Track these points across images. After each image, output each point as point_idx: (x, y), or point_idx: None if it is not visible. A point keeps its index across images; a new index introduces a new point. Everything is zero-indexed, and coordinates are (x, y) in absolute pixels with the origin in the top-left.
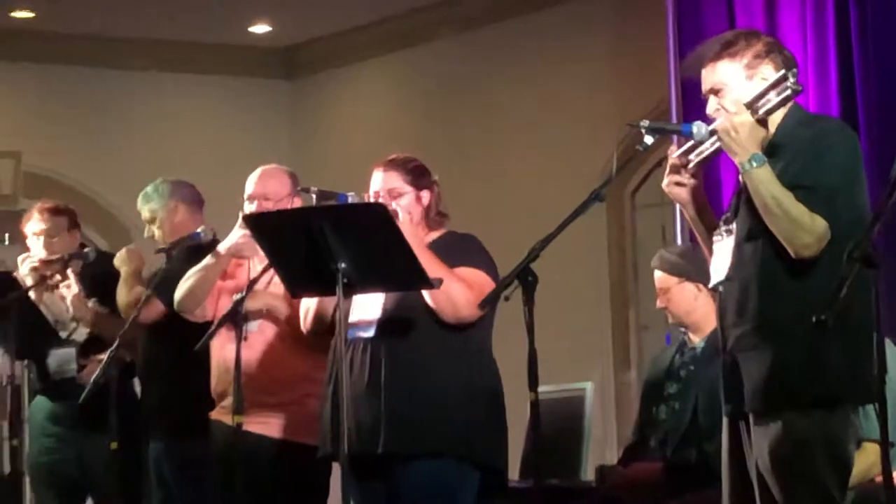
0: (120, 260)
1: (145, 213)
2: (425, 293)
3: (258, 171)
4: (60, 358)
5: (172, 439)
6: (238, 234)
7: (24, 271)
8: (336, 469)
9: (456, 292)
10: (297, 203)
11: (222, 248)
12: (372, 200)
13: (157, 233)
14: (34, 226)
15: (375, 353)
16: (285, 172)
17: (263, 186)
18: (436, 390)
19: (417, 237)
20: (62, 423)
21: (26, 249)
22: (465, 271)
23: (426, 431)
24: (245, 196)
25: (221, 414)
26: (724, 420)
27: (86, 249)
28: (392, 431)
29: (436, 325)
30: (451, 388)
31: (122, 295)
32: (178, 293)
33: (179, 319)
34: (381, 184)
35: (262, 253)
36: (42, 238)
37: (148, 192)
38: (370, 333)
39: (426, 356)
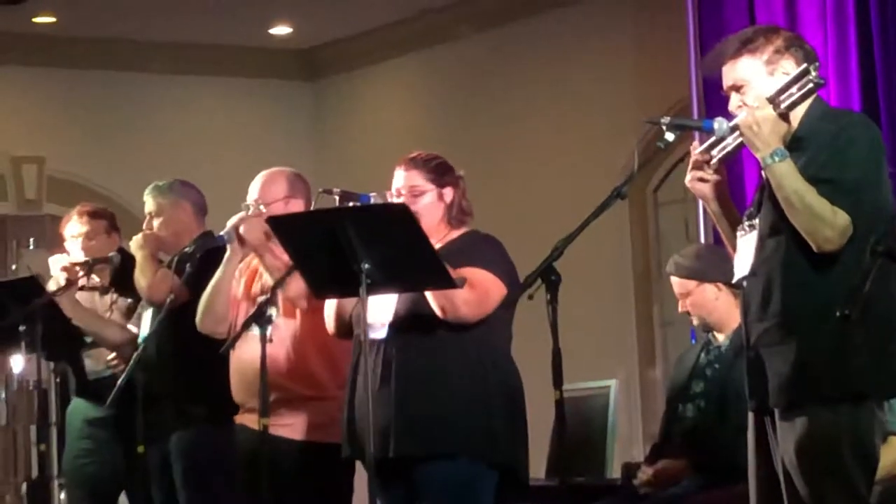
0: (136, 244)
1: (151, 206)
2: (428, 293)
3: (258, 176)
4: (94, 358)
5: (204, 428)
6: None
7: (55, 272)
8: (360, 469)
9: (455, 292)
10: (293, 207)
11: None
12: (394, 198)
13: (158, 227)
14: (73, 228)
15: (388, 354)
16: (284, 176)
17: (257, 192)
18: (446, 391)
19: (432, 237)
20: (98, 425)
21: (51, 253)
22: (469, 271)
23: (437, 433)
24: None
25: (245, 418)
26: (750, 415)
27: (110, 254)
28: (402, 434)
29: (448, 327)
30: (462, 388)
31: (143, 277)
32: (199, 312)
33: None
34: (402, 181)
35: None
36: (80, 240)
37: (160, 186)
38: (382, 335)
39: (437, 357)
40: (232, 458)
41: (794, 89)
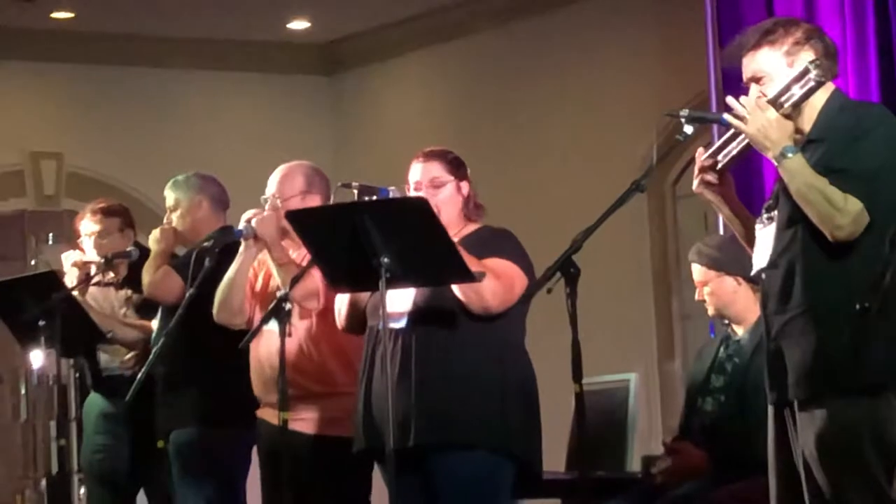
0: (153, 239)
1: (170, 201)
2: (455, 285)
3: (277, 170)
4: (110, 354)
5: (200, 428)
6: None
7: (67, 268)
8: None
9: (483, 283)
10: (310, 202)
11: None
12: (412, 192)
13: (176, 221)
14: (86, 227)
15: (406, 344)
16: (302, 170)
17: (275, 186)
18: (466, 381)
19: (452, 229)
20: (114, 420)
21: (71, 249)
22: (494, 262)
23: (457, 423)
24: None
25: (265, 412)
26: (770, 408)
27: (128, 249)
28: (423, 424)
29: (466, 317)
30: (481, 379)
31: (146, 273)
32: (215, 305)
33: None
34: (421, 174)
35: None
36: (93, 239)
37: (178, 181)
38: (401, 325)
39: (456, 347)
40: (232, 458)
41: (795, 88)
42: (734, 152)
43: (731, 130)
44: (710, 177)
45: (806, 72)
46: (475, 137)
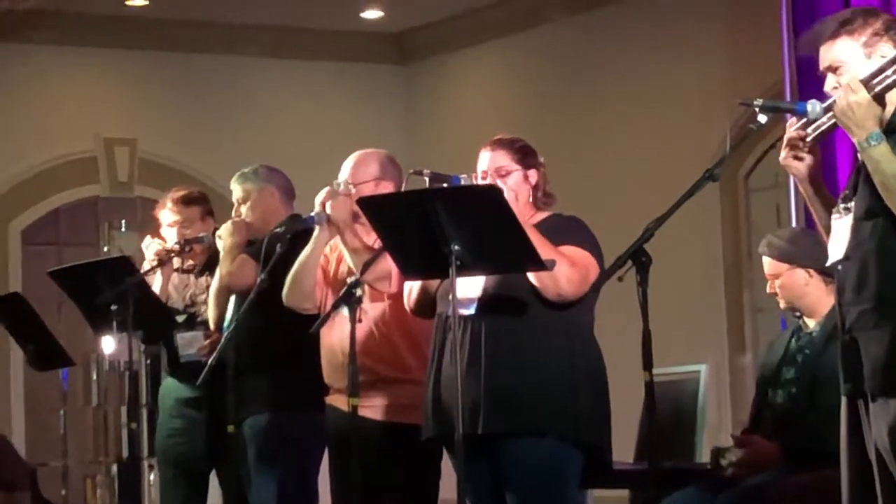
0: (225, 232)
1: (238, 192)
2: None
3: (351, 156)
4: (187, 340)
5: (276, 413)
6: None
7: (148, 257)
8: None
9: (559, 270)
10: (383, 189)
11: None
12: (479, 180)
13: (246, 213)
14: (167, 217)
15: (476, 330)
16: (377, 158)
17: (348, 171)
18: (536, 368)
19: (522, 217)
20: (189, 405)
21: (142, 236)
22: (570, 249)
23: (527, 410)
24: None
25: (335, 398)
26: (843, 399)
27: (201, 234)
28: (492, 410)
29: (537, 303)
30: (552, 366)
31: (223, 264)
32: (285, 288)
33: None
34: (488, 163)
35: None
36: (176, 229)
37: (246, 173)
38: (471, 311)
39: (526, 334)
40: (308, 443)
41: (889, 72)
42: (824, 127)
43: (825, 104)
44: (798, 150)
45: None
46: (546, 128)
